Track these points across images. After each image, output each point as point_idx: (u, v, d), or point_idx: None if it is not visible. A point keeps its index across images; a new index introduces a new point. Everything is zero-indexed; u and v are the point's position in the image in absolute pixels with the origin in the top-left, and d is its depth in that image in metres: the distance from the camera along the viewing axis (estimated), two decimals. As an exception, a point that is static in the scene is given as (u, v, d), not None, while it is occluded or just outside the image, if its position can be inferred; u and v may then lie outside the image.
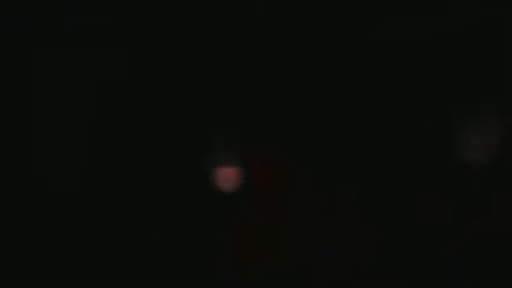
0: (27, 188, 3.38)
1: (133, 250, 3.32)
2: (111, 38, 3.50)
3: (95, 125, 3.46)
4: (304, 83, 3.52)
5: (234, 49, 3.52)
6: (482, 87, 3.45)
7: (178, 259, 3.31)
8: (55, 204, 3.37)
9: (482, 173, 3.34)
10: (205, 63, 3.52)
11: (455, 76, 3.46)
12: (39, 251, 3.31)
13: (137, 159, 3.44)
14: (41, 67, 3.47)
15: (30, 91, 3.46)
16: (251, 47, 3.52)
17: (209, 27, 3.51)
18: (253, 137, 3.49)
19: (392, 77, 3.49)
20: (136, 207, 3.38)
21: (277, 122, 3.49)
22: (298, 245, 3.31)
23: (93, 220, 3.36)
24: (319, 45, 3.52)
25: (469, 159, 3.37)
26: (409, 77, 3.48)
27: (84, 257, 3.30)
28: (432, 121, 3.44)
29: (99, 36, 3.49)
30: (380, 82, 3.49)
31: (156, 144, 3.46)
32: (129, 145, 3.46)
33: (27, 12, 3.47)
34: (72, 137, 3.45)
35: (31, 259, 3.30)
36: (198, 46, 3.52)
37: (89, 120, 3.46)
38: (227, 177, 3.37)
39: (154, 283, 3.27)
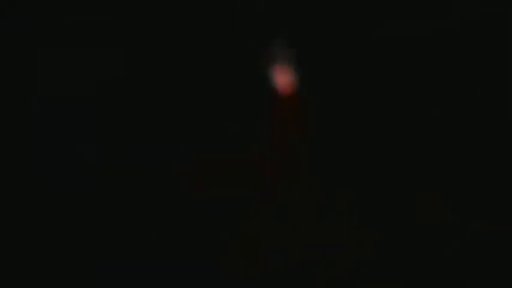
0: (27, 188, 3.38)
1: (132, 250, 3.32)
2: (111, 38, 3.50)
3: (95, 125, 3.46)
4: (303, 82, 3.52)
5: (233, 48, 3.52)
6: (482, 87, 3.45)
7: (177, 259, 3.31)
8: (55, 204, 3.37)
9: (482, 172, 3.34)
10: (205, 63, 3.52)
11: (455, 76, 3.47)
12: (39, 251, 3.31)
13: (137, 159, 3.44)
14: (41, 67, 3.47)
15: (30, 91, 3.47)
16: (250, 46, 3.52)
17: (209, 27, 3.52)
18: (252, 137, 3.49)
19: (392, 77, 3.49)
20: (134, 207, 3.38)
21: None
22: (298, 245, 3.31)
23: (92, 220, 3.36)
24: (319, 44, 3.52)
25: (469, 158, 3.37)
26: (409, 77, 3.49)
27: (83, 257, 3.31)
28: (432, 121, 3.44)
29: (99, 36, 3.49)
30: (380, 82, 3.49)
31: (156, 144, 3.46)
32: (129, 145, 3.46)
33: (27, 12, 3.47)
34: (72, 137, 3.45)
35: (31, 259, 3.30)
36: (197, 45, 3.52)
37: (88, 120, 3.46)
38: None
39: (154, 283, 3.26)
